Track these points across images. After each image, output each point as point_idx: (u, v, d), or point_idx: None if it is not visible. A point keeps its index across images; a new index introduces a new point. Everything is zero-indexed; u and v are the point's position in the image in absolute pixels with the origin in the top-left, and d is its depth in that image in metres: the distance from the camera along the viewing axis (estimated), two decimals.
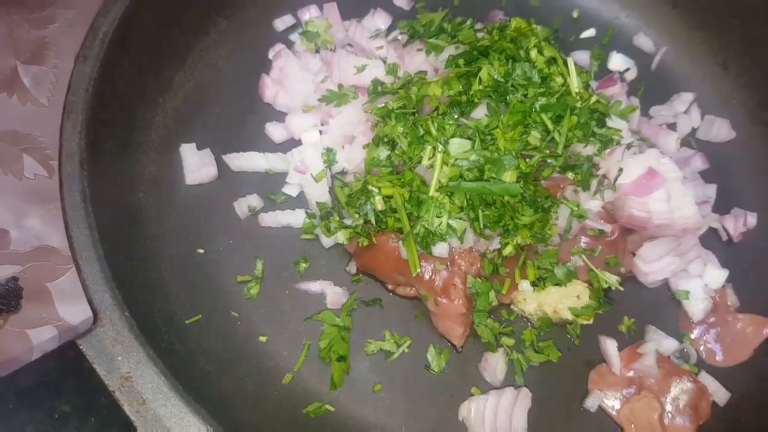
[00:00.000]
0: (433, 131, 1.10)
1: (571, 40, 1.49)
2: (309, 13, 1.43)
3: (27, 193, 1.28)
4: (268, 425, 1.07)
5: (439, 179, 1.08)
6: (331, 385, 1.13)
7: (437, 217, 1.07)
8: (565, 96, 1.14)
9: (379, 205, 1.13)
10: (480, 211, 1.07)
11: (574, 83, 1.16)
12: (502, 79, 1.13)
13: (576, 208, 1.13)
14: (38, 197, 1.28)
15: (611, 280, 1.16)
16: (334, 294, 1.19)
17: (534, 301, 1.18)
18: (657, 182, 1.14)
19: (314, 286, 1.20)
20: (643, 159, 1.15)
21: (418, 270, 1.10)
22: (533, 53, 1.16)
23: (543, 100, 1.12)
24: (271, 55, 1.39)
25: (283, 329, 1.17)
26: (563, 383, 1.16)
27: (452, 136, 1.09)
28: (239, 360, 1.13)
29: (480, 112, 1.11)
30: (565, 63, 1.17)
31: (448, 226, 1.07)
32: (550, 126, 1.11)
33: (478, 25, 1.33)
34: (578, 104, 1.14)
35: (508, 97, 1.12)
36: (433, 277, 1.12)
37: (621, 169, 1.15)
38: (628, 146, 1.17)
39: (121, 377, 0.88)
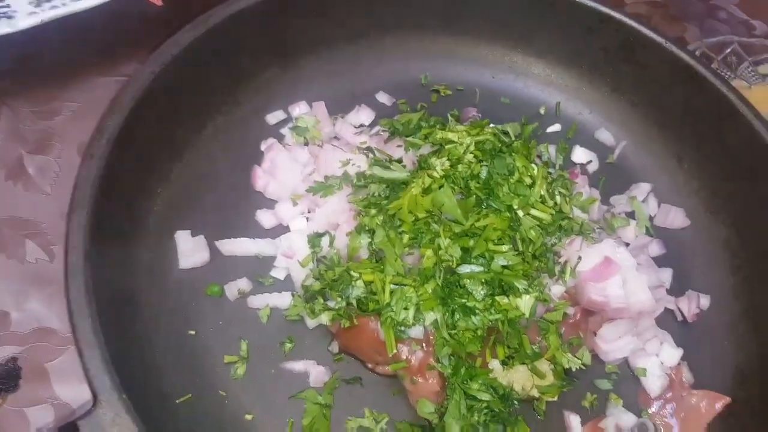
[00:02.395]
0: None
1: (538, 134, 1.61)
2: (299, 109, 1.54)
3: (28, 276, 1.33)
4: None
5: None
6: None
7: (404, 309, 1.16)
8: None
9: (360, 290, 1.22)
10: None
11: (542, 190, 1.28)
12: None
13: (540, 293, 1.23)
14: (39, 280, 1.33)
15: (574, 360, 1.26)
16: (317, 373, 1.26)
17: (504, 379, 1.26)
18: (613, 270, 1.25)
19: (298, 366, 1.27)
20: (599, 248, 1.27)
21: (394, 350, 1.19)
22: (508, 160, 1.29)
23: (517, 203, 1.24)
24: (263, 148, 1.49)
25: (268, 407, 1.22)
26: None
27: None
28: None
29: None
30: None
31: (415, 316, 1.16)
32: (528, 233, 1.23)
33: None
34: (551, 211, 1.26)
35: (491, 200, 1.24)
36: (409, 357, 1.21)
37: (580, 258, 1.26)
38: (587, 236, 1.29)
39: None
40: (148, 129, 1.29)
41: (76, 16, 1.41)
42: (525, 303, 1.21)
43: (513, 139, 1.34)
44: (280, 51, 1.53)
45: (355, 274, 1.23)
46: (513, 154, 1.27)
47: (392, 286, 1.20)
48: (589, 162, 1.59)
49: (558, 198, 1.30)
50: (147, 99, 1.26)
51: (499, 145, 1.28)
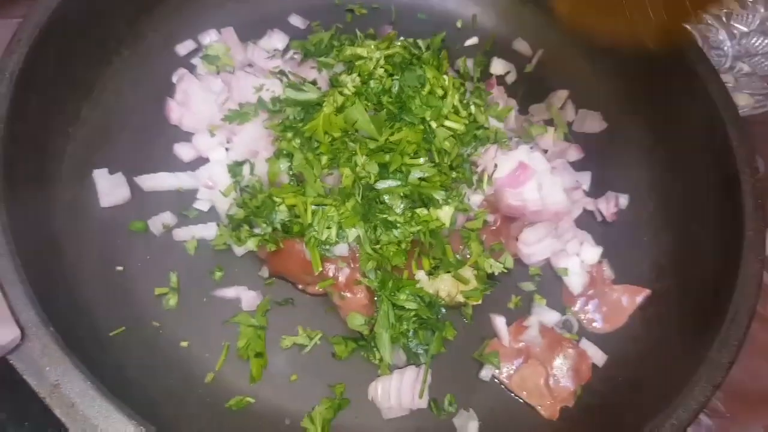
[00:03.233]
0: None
1: (456, 48, 1.61)
2: (209, 38, 1.52)
3: None
4: (194, 420, 1.15)
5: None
6: (250, 380, 1.22)
7: (327, 228, 1.19)
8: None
9: (283, 214, 1.24)
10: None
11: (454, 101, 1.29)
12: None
13: (460, 203, 1.26)
14: None
15: (496, 265, 1.30)
16: (248, 297, 1.28)
17: (430, 288, 1.30)
18: (528, 174, 1.28)
19: (230, 292, 1.29)
20: (514, 155, 1.30)
21: (320, 269, 1.21)
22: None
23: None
24: (174, 80, 1.46)
25: (203, 334, 1.25)
26: (460, 359, 1.28)
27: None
28: (163, 365, 1.20)
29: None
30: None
31: (338, 234, 1.19)
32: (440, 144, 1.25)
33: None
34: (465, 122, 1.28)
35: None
36: (336, 274, 1.24)
37: (496, 165, 1.29)
38: (502, 144, 1.32)
39: (51, 385, 0.95)
40: (51, 67, 1.26)
41: None
42: (445, 213, 1.24)
43: (423, 51, 1.34)
44: None
45: (278, 200, 1.24)
46: (423, 66, 1.27)
47: (314, 207, 1.22)
48: (508, 73, 1.61)
49: (472, 108, 1.32)
50: (45, 36, 1.23)
51: (409, 57, 1.28)
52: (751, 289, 1.12)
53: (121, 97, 1.41)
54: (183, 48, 1.52)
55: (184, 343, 1.24)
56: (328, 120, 1.23)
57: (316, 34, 1.47)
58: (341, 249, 1.22)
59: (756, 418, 1.33)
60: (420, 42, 1.38)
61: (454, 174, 1.26)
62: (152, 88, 1.45)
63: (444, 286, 1.29)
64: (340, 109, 1.24)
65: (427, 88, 1.26)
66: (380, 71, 1.26)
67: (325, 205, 1.21)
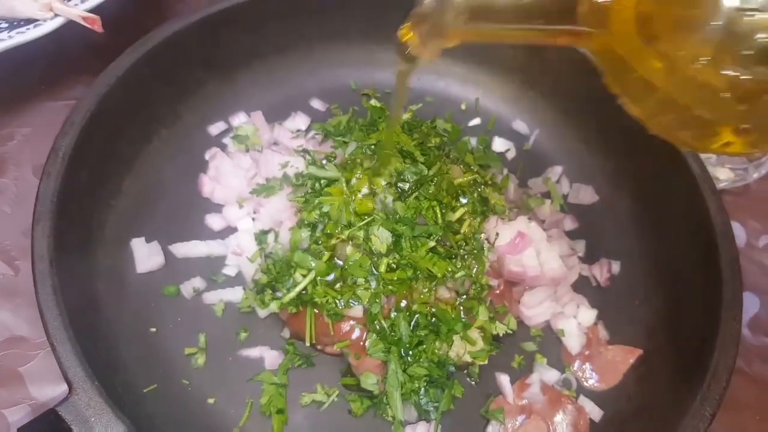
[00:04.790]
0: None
1: (461, 128, 1.78)
2: (238, 119, 1.68)
3: None
4: None
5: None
6: None
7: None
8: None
9: (300, 281, 1.35)
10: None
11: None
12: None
13: (468, 270, 1.38)
14: (7, 293, 1.44)
15: (501, 326, 1.41)
16: (271, 357, 1.38)
17: (439, 350, 1.39)
18: (526, 242, 1.41)
19: (254, 352, 1.39)
20: (513, 224, 1.43)
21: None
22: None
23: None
24: (207, 157, 1.61)
25: (228, 391, 1.34)
26: (468, 415, 1.37)
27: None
28: (191, 420, 1.29)
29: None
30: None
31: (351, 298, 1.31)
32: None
33: None
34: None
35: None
36: (351, 336, 1.35)
37: (497, 234, 1.42)
38: (502, 216, 1.45)
39: None
40: (98, 146, 1.40)
41: (23, 46, 1.53)
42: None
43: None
44: (216, 66, 1.65)
45: (293, 267, 1.36)
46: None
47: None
48: (508, 150, 1.76)
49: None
50: (95, 119, 1.37)
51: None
52: (730, 346, 1.22)
53: (159, 172, 1.55)
54: (215, 128, 1.67)
55: (211, 400, 1.33)
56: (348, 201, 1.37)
57: (335, 117, 1.64)
58: (356, 311, 1.33)
59: None
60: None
61: (467, 247, 1.39)
62: (187, 164, 1.59)
63: (452, 347, 1.39)
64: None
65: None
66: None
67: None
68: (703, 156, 1.66)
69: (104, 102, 1.40)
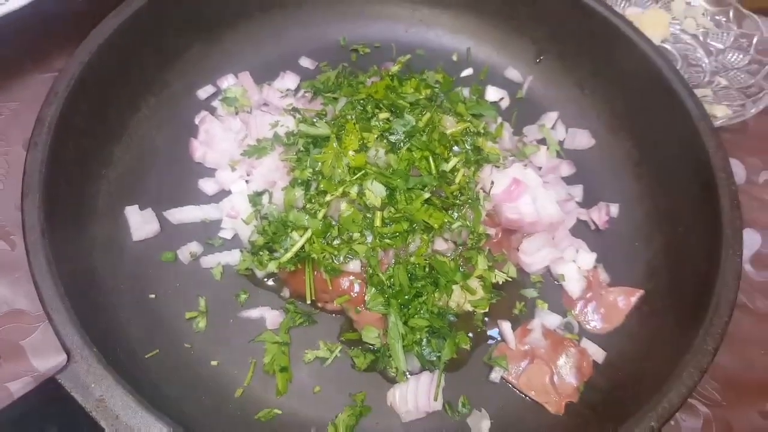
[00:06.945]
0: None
1: (453, 79, 1.74)
2: (226, 82, 1.65)
3: None
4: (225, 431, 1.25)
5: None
6: (276, 393, 1.31)
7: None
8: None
9: (297, 241, 1.35)
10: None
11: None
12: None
13: (464, 220, 1.37)
14: (3, 268, 1.45)
15: (499, 274, 1.41)
16: (272, 317, 1.38)
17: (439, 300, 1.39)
18: (522, 189, 1.40)
19: (254, 313, 1.39)
20: (508, 172, 1.41)
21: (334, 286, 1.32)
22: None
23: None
24: (197, 121, 1.59)
25: (231, 353, 1.35)
26: (471, 363, 1.38)
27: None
28: (195, 383, 1.30)
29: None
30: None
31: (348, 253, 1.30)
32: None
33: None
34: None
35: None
36: (350, 290, 1.34)
37: (492, 182, 1.41)
38: (497, 164, 1.43)
39: (96, 400, 1.05)
40: (85, 115, 1.38)
41: (5, 20, 1.50)
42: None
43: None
44: (201, 28, 1.63)
45: (290, 227, 1.36)
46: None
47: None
48: (501, 99, 1.73)
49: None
50: (80, 87, 1.35)
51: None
52: (731, 282, 1.22)
53: (150, 139, 1.54)
54: (204, 92, 1.65)
55: (214, 362, 1.33)
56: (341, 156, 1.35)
57: (324, 74, 1.61)
58: (354, 266, 1.32)
59: (750, 405, 1.41)
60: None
61: (462, 197, 1.37)
62: (177, 129, 1.58)
63: (453, 297, 1.39)
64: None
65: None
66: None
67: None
68: (699, 94, 1.64)
69: (88, 70, 1.37)
